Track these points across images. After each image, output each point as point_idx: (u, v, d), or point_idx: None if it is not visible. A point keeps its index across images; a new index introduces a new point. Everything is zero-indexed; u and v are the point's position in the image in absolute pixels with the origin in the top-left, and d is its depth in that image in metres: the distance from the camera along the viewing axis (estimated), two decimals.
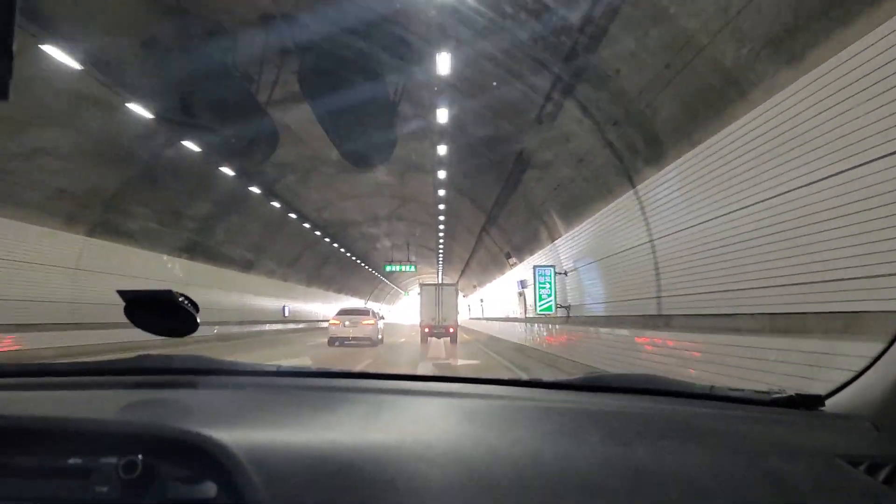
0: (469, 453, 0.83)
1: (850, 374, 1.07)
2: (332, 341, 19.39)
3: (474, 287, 42.84)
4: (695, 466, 0.82)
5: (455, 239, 32.34)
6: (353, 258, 39.82)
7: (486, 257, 28.60)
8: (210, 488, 0.79)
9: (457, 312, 25.58)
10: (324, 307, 42.47)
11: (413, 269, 41.31)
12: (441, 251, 39.12)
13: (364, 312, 21.83)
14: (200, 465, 0.80)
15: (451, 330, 24.45)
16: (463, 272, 43.28)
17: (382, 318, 24.30)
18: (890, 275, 3.92)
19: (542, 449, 0.86)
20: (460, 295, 30.76)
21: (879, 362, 1.01)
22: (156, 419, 0.97)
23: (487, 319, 34.09)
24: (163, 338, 1.29)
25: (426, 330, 24.27)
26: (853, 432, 0.98)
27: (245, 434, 0.86)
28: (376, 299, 69.75)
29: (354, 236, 34.56)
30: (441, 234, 32.06)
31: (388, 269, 41.07)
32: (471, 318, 53.82)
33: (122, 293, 1.18)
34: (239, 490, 0.74)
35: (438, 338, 24.24)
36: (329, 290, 42.77)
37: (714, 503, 0.74)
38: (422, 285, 26.36)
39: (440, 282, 57.35)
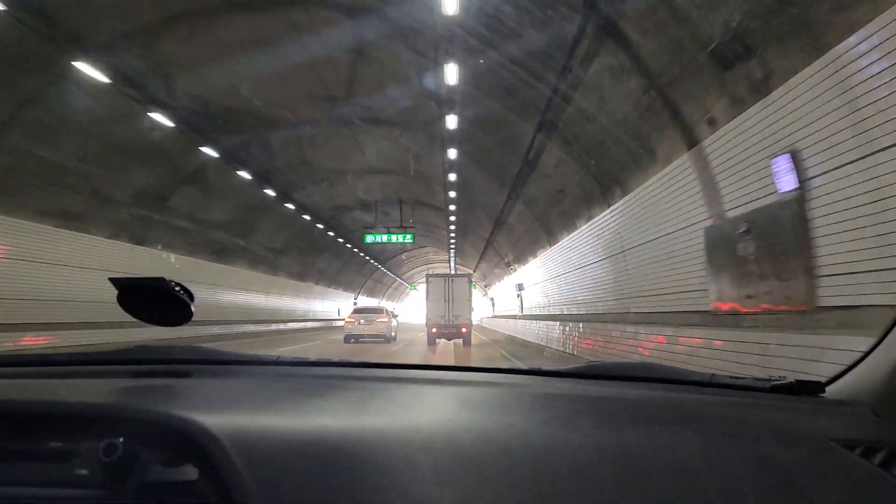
0: (459, 437, 0.82)
1: (851, 361, 1.03)
2: (348, 338, 19.77)
3: (508, 266, 27.04)
4: (687, 450, 0.80)
5: (480, 168, 16.60)
6: (306, 216, 24.10)
7: (554, 178, 12.71)
8: (192, 471, 0.78)
9: (471, 309, 20.93)
10: (267, 300, 26.87)
11: (409, 238, 25.80)
12: (452, 201, 23.35)
13: (378, 311, 22.16)
14: (183, 448, 0.79)
15: (464, 330, 19.87)
16: (489, 243, 27.50)
17: (396, 316, 24.85)
18: None
19: (533, 433, 0.86)
20: (476, 292, 24.97)
21: (878, 349, 0.98)
22: (142, 404, 0.96)
23: (540, 318, 18.24)
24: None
25: (434, 330, 19.93)
26: (851, 418, 0.96)
27: (231, 419, 0.85)
28: (371, 293, 54.47)
29: (304, 169, 18.95)
30: (450, 165, 16.29)
31: (368, 239, 25.63)
32: (494, 317, 38.87)
33: (114, 281, 1.13)
34: (220, 472, 0.74)
35: (449, 339, 20.00)
36: (277, 273, 27.21)
37: (705, 486, 0.73)
38: (429, 276, 21.68)
39: (452, 271, 44.99)
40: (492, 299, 41.81)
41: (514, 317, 27.26)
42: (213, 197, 17.51)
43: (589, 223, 12.09)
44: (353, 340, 19.58)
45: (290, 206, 21.62)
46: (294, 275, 29.76)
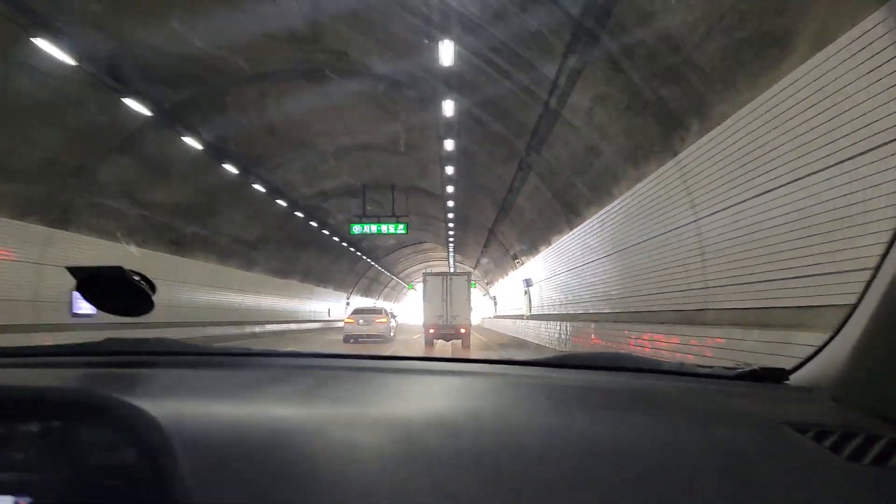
0: (406, 421, 0.82)
1: (815, 348, 1.04)
2: (348, 338, 20.00)
3: (514, 259, 24.00)
4: (634, 434, 0.81)
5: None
6: (280, 201, 20.85)
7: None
8: (129, 454, 0.77)
9: (470, 308, 19.84)
10: (243, 299, 23.69)
11: (402, 229, 22.80)
12: (450, 181, 20.32)
13: (377, 311, 22.74)
14: (121, 432, 0.79)
15: (463, 331, 18.76)
16: (493, 234, 24.44)
17: (395, 316, 25.82)
18: None
19: (485, 418, 0.86)
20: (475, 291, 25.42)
21: (837, 337, 0.98)
22: (84, 388, 0.98)
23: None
24: None
25: (431, 331, 18.93)
26: (810, 403, 0.97)
27: (178, 405, 0.86)
28: (366, 293, 51.49)
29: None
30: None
31: (355, 230, 22.67)
32: (496, 317, 36.12)
33: (72, 270, 1.13)
34: (156, 455, 0.74)
35: (447, 340, 18.98)
36: (253, 269, 24.00)
37: (648, 465, 0.74)
38: (425, 274, 20.52)
39: (451, 267, 42.96)
40: (493, 298, 38.68)
41: (521, 317, 24.10)
42: (158, 172, 14.32)
43: (641, 184, 8.87)
44: (352, 340, 19.79)
45: (260, 188, 18.43)
46: (274, 271, 26.58)
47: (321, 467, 0.71)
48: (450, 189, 20.57)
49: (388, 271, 52.54)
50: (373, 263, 44.78)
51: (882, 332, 0.86)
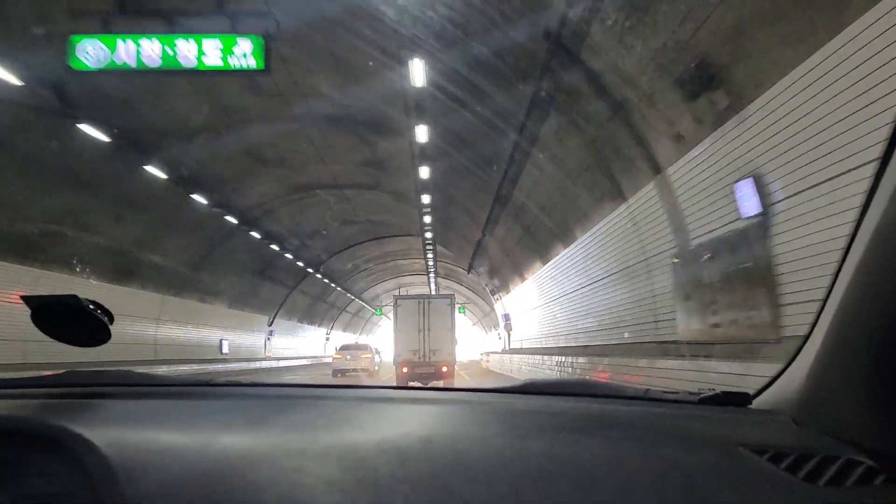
0: (356, 447, 0.82)
1: (776, 372, 1.05)
2: (336, 372, 21.82)
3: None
4: (587, 457, 0.82)
5: None
6: None
7: None
8: (70, 482, 0.77)
9: (454, 340, 16.47)
10: None
11: (251, 59, 6.41)
12: None
13: (363, 347, 25.33)
14: (62, 460, 0.79)
15: (445, 369, 15.46)
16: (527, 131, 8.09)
17: (378, 351, 27.69)
18: None
19: (436, 442, 0.84)
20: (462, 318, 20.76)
21: (796, 360, 0.99)
22: (27, 418, 0.95)
23: None
24: None
25: (404, 370, 15.70)
26: (771, 426, 0.98)
27: (123, 434, 0.85)
28: (309, 320, 35.47)
29: None
30: None
31: (85, 54, 6.24)
32: (512, 350, 20.74)
33: (26, 299, 1.09)
34: (97, 483, 0.73)
35: (424, 382, 14.02)
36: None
37: (601, 486, 0.74)
38: (397, 298, 17.20)
39: (431, 290, 36.32)
40: (506, 317, 22.48)
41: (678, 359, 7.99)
42: None
43: None
44: (339, 374, 21.42)
45: None
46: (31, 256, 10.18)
47: (267, 493, 0.70)
48: None
49: (339, 284, 36.17)
50: (309, 271, 28.63)
51: (833, 357, 0.86)
